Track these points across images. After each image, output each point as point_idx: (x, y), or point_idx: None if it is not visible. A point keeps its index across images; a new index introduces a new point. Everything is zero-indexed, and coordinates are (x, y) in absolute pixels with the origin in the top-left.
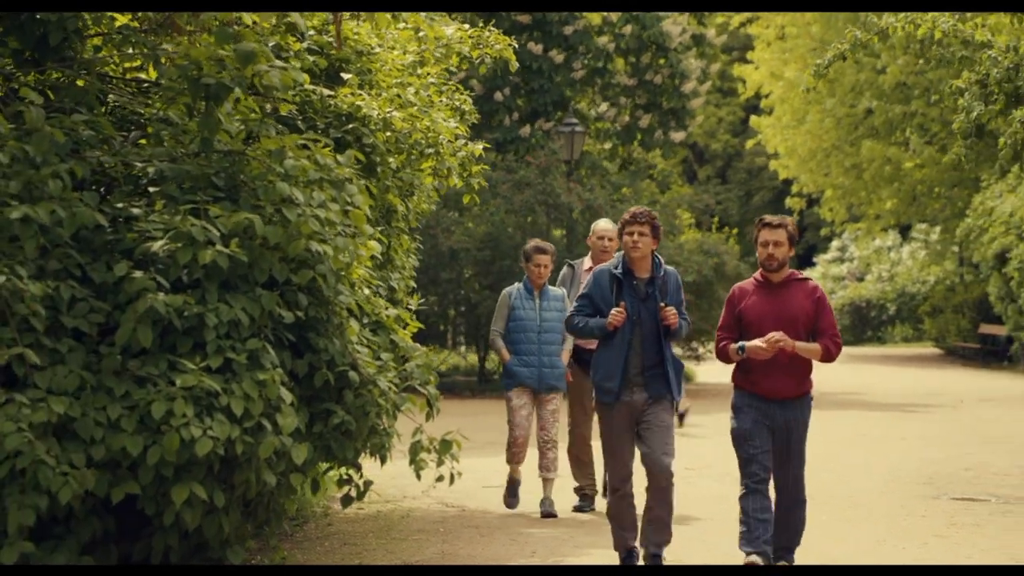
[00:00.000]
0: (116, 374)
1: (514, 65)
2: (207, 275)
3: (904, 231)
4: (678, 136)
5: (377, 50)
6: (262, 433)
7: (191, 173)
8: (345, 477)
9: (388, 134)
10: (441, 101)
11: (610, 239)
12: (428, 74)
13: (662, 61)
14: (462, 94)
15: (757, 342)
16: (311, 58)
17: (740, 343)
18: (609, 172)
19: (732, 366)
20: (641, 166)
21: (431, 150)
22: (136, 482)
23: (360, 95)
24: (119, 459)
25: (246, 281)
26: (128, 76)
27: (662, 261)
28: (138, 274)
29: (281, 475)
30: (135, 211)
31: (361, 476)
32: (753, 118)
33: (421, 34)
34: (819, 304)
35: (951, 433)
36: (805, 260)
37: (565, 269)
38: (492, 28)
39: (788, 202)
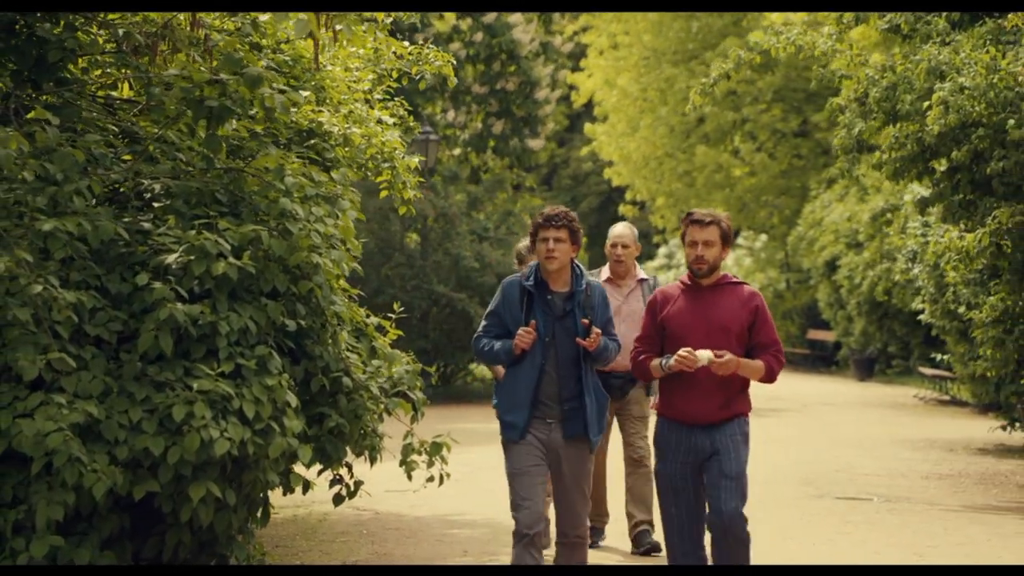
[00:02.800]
0: (136, 379)
1: (452, 81)
2: (217, 286)
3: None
4: (536, 144)
5: (328, 67)
6: (271, 435)
7: (197, 189)
8: (336, 477)
9: (347, 149)
10: (375, 113)
11: (624, 246)
12: (375, 90)
13: (513, 69)
14: (405, 109)
15: (681, 352)
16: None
17: (665, 356)
18: (462, 179)
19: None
20: (498, 176)
21: (387, 164)
22: (156, 480)
23: (321, 111)
24: (140, 459)
25: (250, 292)
26: (99, 94)
27: (584, 271)
28: (157, 285)
29: (281, 475)
30: (145, 225)
31: (352, 476)
32: (588, 125)
33: (379, 53)
34: (757, 314)
35: (808, 436)
36: None
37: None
38: (431, 45)
39: (621, 209)
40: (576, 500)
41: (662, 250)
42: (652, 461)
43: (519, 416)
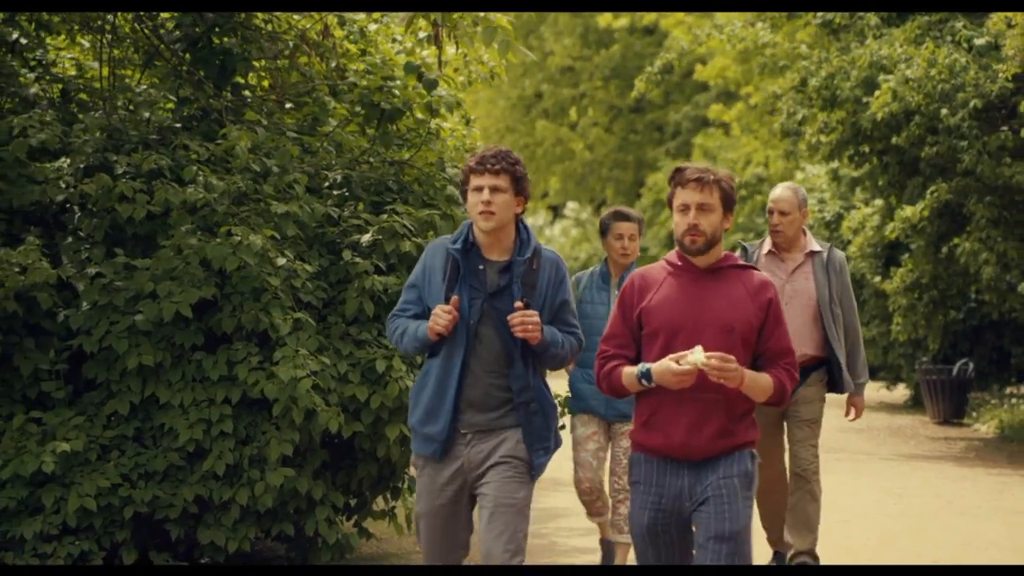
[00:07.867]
0: (341, 338)
1: (500, 81)
2: (400, 260)
3: (556, 209)
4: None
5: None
6: None
7: (372, 179)
8: None
9: (438, 141)
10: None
11: (783, 212)
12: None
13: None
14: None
15: (670, 362)
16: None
17: (642, 366)
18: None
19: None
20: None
21: (468, 153)
22: (360, 422)
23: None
24: (347, 404)
25: None
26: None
27: (532, 236)
28: (359, 260)
29: None
30: (334, 209)
31: None
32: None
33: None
34: (770, 310)
35: None
36: None
37: (738, 253)
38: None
39: None
40: (500, 538)
41: None
42: (820, 476)
43: (438, 427)
